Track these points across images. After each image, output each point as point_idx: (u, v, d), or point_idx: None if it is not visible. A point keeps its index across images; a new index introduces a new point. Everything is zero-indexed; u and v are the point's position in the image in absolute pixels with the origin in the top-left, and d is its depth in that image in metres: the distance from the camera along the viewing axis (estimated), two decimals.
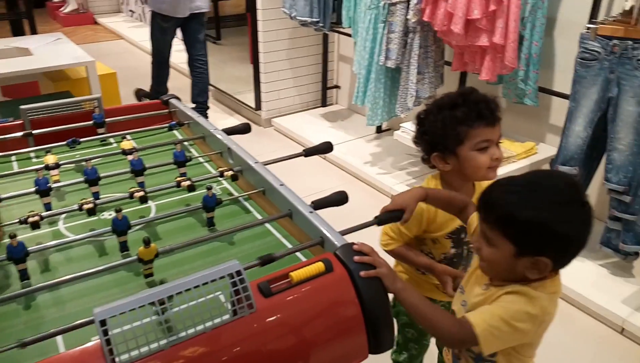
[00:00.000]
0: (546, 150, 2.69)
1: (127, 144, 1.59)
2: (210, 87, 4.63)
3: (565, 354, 1.97)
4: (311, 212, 1.21)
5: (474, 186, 1.34)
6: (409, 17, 2.70)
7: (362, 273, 0.98)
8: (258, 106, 4.04)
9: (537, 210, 0.90)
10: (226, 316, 0.89)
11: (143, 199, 1.34)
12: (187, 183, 1.38)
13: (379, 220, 1.16)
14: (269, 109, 4.04)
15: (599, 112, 2.14)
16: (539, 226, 0.90)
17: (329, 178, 3.31)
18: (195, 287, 0.87)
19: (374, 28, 2.96)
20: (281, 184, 1.33)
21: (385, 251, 1.36)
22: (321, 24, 3.48)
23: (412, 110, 2.94)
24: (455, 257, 1.36)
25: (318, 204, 1.27)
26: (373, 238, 1.24)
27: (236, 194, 1.45)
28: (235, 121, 4.16)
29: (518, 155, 2.59)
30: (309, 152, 1.60)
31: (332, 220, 1.18)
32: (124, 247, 1.19)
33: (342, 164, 3.41)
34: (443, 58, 2.92)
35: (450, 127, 1.20)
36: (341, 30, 3.77)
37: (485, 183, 1.24)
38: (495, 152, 1.21)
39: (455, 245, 1.34)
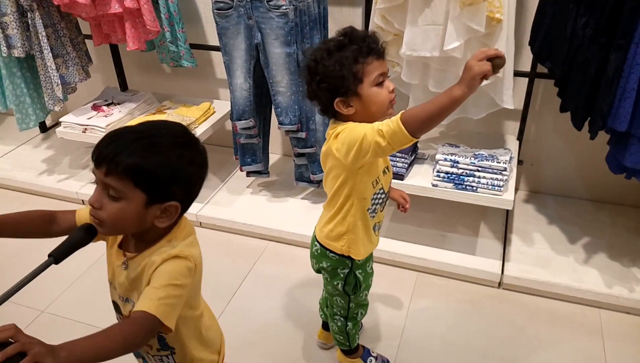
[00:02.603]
0: (223, 106, 2.60)
1: None
2: None
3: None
4: None
5: None
6: None
7: None
8: None
9: (164, 154, 0.92)
10: None
11: None
12: None
13: (56, 257, 0.94)
14: None
15: (252, 61, 2.12)
16: (168, 169, 0.92)
17: None
18: None
19: None
20: None
21: (403, 126, 1.11)
22: None
23: (66, 100, 2.50)
24: None
25: None
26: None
27: None
28: None
29: (197, 119, 2.45)
30: None
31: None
32: None
33: (10, 183, 2.76)
34: (81, 34, 2.51)
35: (347, 67, 1.18)
36: None
37: None
38: (389, 85, 1.24)
39: None
